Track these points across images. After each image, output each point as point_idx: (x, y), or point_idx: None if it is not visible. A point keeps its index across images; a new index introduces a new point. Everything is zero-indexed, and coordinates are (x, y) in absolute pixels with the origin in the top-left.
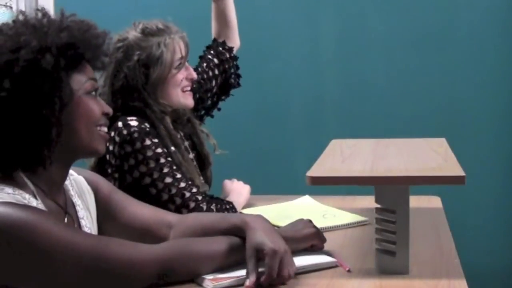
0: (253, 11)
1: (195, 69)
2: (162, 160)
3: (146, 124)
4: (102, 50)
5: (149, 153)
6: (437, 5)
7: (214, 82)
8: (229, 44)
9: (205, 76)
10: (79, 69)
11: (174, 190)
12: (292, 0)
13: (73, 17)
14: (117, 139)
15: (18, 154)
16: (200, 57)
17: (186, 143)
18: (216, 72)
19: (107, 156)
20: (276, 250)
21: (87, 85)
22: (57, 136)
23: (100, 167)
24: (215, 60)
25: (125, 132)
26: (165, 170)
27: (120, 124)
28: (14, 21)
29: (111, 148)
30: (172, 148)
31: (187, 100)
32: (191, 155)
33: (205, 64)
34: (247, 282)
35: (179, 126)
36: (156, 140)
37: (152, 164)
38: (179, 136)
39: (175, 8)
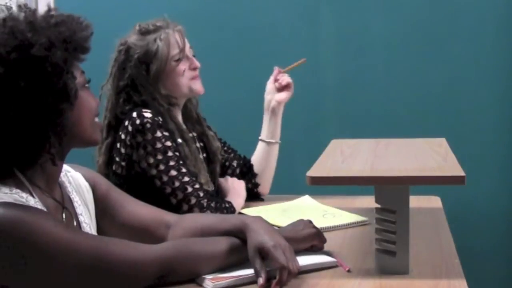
0: (253, 11)
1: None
2: (170, 154)
3: (160, 118)
4: (89, 43)
5: (158, 145)
6: (437, 5)
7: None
8: (260, 189)
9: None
10: (73, 64)
11: (177, 184)
12: (292, 0)
13: (57, 11)
14: (130, 128)
15: (31, 152)
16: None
17: (198, 144)
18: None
19: (118, 144)
20: (277, 245)
21: (82, 79)
22: (70, 130)
23: (109, 155)
24: (237, 171)
25: (138, 122)
26: (171, 163)
27: (134, 114)
28: (4, 20)
29: (123, 136)
30: (179, 140)
31: (196, 85)
32: (201, 156)
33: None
34: (260, 281)
35: (189, 125)
36: (166, 134)
37: (159, 156)
38: (190, 135)
39: (174, 5)
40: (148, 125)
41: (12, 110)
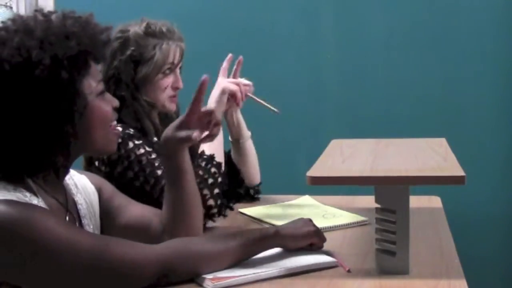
0: (253, 10)
1: None
2: (144, 161)
3: (131, 129)
4: (106, 45)
5: (132, 157)
6: (437, 5)
7: None
8: (249, 182)
9: None
10: (89, 73)
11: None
12: (292, 0)
13: (73, 14)
14: None
15: (34, 165)
16: None
17: None
18: None
19: (96, 163)
20: None
21: (98, 88)
22: (75, 145)
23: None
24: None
25: None
26: (148, 170)
27: None
28: (15, 30)
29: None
30: (155, 138)
31: (170, 106)
32: None
33: None
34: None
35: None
36: (138, 142)
37: (136, 168)
38: None
39: (173, 5)
40: (120, 140)
41: (14, 127)
